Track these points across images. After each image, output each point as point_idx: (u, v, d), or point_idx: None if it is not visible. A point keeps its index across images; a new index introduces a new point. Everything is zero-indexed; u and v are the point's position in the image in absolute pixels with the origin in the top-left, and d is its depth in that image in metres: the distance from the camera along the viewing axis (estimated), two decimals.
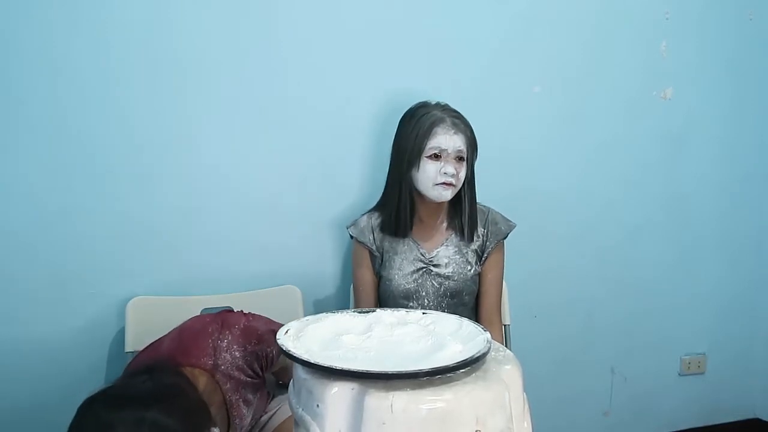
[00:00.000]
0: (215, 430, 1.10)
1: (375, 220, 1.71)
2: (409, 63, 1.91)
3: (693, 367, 2.41)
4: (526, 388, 1.05)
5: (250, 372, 1.34)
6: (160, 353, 1.30)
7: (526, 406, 1.04)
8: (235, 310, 1.44)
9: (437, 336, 1.10)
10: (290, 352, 1.01)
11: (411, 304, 1.67)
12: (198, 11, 1.72)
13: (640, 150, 2.22)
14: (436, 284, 1.68)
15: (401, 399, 0.91)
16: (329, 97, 1.85)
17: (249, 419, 1.37)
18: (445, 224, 1.72)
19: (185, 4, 1.70)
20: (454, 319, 1.17)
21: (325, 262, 1.93)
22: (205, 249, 1.80)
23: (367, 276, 1.72)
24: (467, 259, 1.70)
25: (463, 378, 0.97)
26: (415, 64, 1.92)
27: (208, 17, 1.73)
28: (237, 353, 1.31)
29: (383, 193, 1.72)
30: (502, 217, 1.74)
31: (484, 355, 1.00)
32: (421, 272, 1.68)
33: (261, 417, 1.56)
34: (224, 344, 1.31)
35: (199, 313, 1.60)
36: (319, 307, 1.90)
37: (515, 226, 1.73)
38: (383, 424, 0.90)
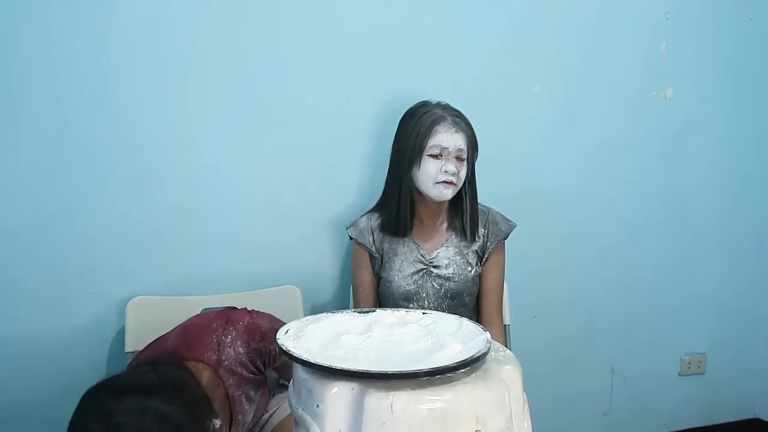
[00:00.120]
0: (217, 421, 1.10)
1: (375, 221, 1.71)
2: (409, 63, 1.91)
3: (693, 367, 2.41)
4: (526, 388, 1.05)
5: (252, 368, 1.34)
6: (165, 348, 1.31)
7: (526, 406, 1.04)
8: (238, 308, 1.44)
9: (437, 336, 1.10)
10: (290, 352, 1.01)
11: (411, 305, 1.66)
12: (198, 11, 1.72)
13: (640, 150, 2.22)
14: (436, 285, 1.68)
15: (401, 399, 0.91)
16: (329, 97, 1.86)
17: (251, 416, 1.38)
18: (445, 225, 1.72)
19: (185, 4, 1.70)
20: (454, 319, 1.17)
21: (325, 262, 1.93)
22: (205, 249, 1.80)
23: (366, 277, 1.72)
24: (468, 260, 1.69)
25: (463, 378, 0.97)
26: (415, 64, 1.92)
27: (208, 17, 1.73)
28: (241, 349, 1.32)
29: (383, 194, 1.72)
30: (503, 217, 1.74)
31: (484, 355, 1.00)
32: (421, 273, 1.68)
33: (262, 416, 1.56)
34: (228, 340, 1.31)
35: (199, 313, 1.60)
36: (319, 307, 1.90)
37: (516, 226, 1.73)
38: (383, 424, 0.91)
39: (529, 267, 2.07)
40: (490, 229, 1.71)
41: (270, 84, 1.80)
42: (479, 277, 1.72)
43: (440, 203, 1.66)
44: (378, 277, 1.73)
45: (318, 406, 0.96)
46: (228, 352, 1.30)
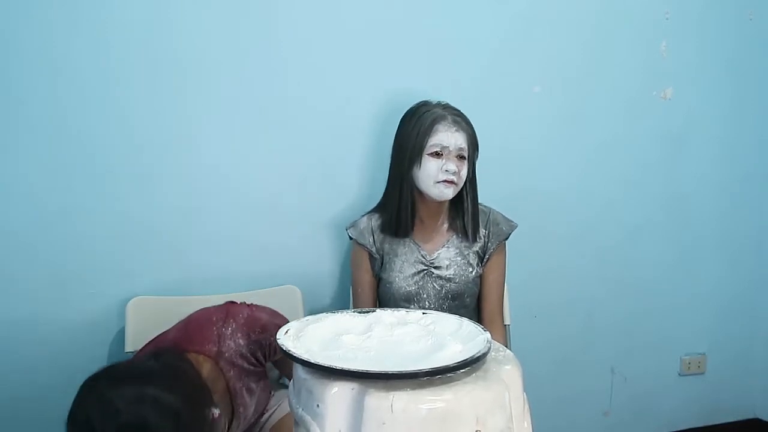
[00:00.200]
0: (216, 410, 1.11)
1: (375, 221, 1.70)
2: (409, 63, 1.91)
3: (693, 367, 2.41)
4: (526, 388, 1.05)
5: (253, 360, 1.35)
6: (166, 341, 1.33)
7: (526, 406, 1.04)
8: (238, 302, 1.45)
9: (437, 336, 1.10)
10: (290, 352, 1.01)
11: (412, 306, 1.66)
12: (198, 11, 1.72)
13: (640, 150, 2.22)
14: (437, 286, 1.67)
15: (401, 399, 0.91)
16: (329, 97, 1.85)
17: (252, 409, 1.38)
18: (446, 225, 1.71)
19: (185, 4, 1.70)
20: (454, 319, 1.17)
21: (325, 262, 1.93)
22: (205, 249, 1.80)
23: (366, 278, 1.72)
24: (468, 261, 1.69)
25: (463, 378, 0.97)
26: (415, 64, 1.92)
27: (208, 17, 1.73)
28: (241, 341, 1.32)
29: (384, 194, 1.72)
30: (503, 217, 1.73)
31: (484, 355, 1.00)
32: (422, 274, 1.68)
33: (262, 415, 1.56)
34: (228, 332, 1.32)
35: None
36: (319, 307, 1.90)
37: (517, 227, 1.73)
38: (383, 424, 0.91)
39: (529, 267, 2.07)
40: (491, 229, 1.71)
41: (270, 84, 1.80)
42: (480, 277, 1.72)
43: (441, 203, 1.66)
44: (378, 278, 1.72)
45: (318, 406, 0.96)
46: (228, 344, 1.31)
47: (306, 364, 0.99)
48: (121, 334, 1.70)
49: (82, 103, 1.65)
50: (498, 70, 2.01)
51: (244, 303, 1.43)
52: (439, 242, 1.70)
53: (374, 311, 1.21)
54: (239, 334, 1.32)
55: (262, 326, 1.36)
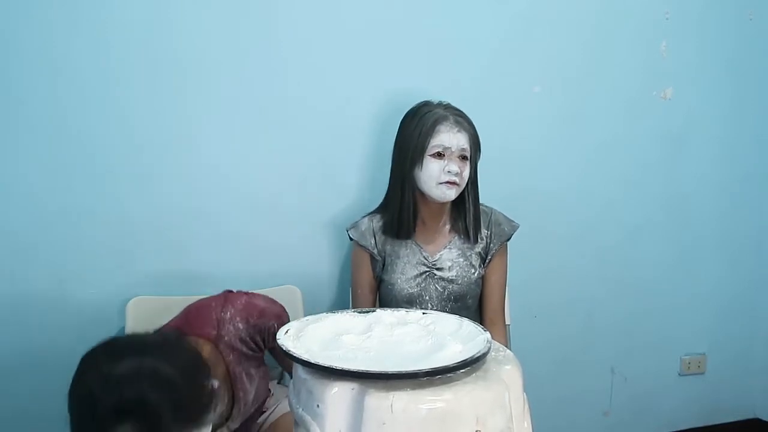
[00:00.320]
0: (215, 382, 1.12)
1: (376, 222, 1.69)
2: (409, 63, 1.91)
3: (693, 367, 2.40)
4: (526, 388, 1.06)
5: (252, 345, 1.37)
6: (166, 329, 1.35)
7: (526, 406, 1.04)
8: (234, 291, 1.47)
9: (437, 336, 1.10)
10: (290, 352, 1.01)
11: (414, 308, 1.65)
12: (198, 11, 1.72)
13: (640, 150, 2.22)
14: (439, 288, 1.67)
15: (401, 399, 0.91)
16: (329, 97, 1.85)
17: (251, 396, 1.39)
18: (448, 226, 1.70)
19: (185, 4, 1.70)
20: (454, 319, 1.17)
21: (325, 262, 1.93)
22: (205, 249, 1.80)
23: (366, 279, 1.71)
24: (471, 262, 1.68)
25: (463, 378, 0.97)
26: (415, 64, 1.92)
27: (208, 17, 1.73)
28: (240, 325, 1.34)
29: (385, 195, 1.71)
30: (505, 217, 1.73)
31: (484, 355, 1.00)
32: (424, 276, 1.67)
33: (262, 413, 1.56)
34: (227, 316, 1.34)
35: None
36: (318, 307, 1.90)
37: (518, 227, 1.73)
38: (383, 424, 0.91)
39: (529, 267, 2.07)
40: (493, 230, 1.70)
41: (270, 84, 1.80)
42: (482, 278, 1.71)
43: (443, 204, 1.65)
44: (379, 280, 1.72)
45: (318, 406, 0.96)
46: (228, 327, 1.33)
47: (306, 364, 0.99)
48: (121, 334, 1.70)
49: (82, 103, 1.65)
50: (498, 70, 2.01)
51: (241, 291, 1.45)
52: (441, 243, 1.69)
53: (374, 311, 1.22)
54: (238, 318, 1.34)
55: (260, 311, 1.39)
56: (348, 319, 1.18)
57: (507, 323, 1.85)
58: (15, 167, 1.62)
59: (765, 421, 2.50)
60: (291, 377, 1.65)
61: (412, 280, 1.66)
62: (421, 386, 0.93)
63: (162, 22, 1.69)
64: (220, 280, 1.80)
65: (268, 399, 1.60)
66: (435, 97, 1.66)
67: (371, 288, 1.72)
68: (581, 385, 2.27)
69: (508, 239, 1.72)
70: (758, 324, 2.47)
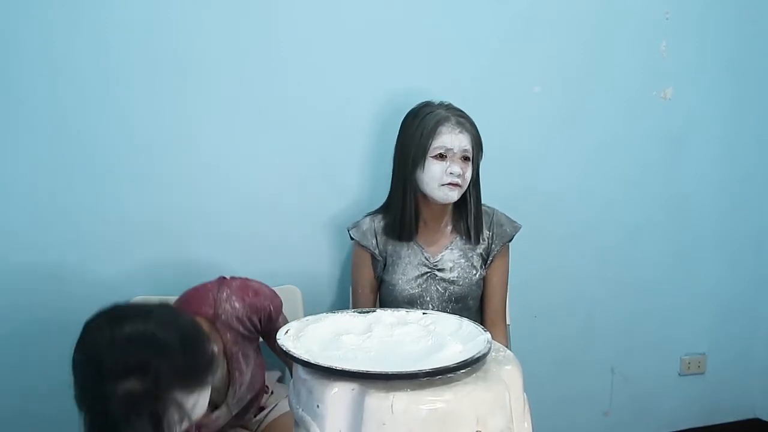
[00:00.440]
0: (214, 346, 1.14)
1: (378, 222, 1.69)
2: (409, 63, 1.91)
3: (693, 367, 2.40)
4: (526, 388, 1.05)
5: (248, 324, 1.39)
6: None
7: (527, 407, 1.04)
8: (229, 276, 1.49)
9: (437, 336, 1.10)
10: (290, 352, 1.01)
11: (415, 309, 1.65)
12: (198, 11, 1.71)
13: (640, 150, 2.21)
14: (440, 289, 1.66)
15: (401, 399, 0.91)
16: (329, 97, 1.85)
17: (247, 377, 1.40)
18: (449, 227, 1.70)
19: (185, 4, 1.70)
20: (454, 319, 1.17)
21: (325, 262, 1.93)
22: (205, 249, 1.80)
23: (367, 280, 1.71)
24: (472, 263, 1.68)
25: (463, 378, 0.97)
26: (415, 64, 1.92)
27: (208, 17, 1.73)
28: (237, 304, 1.38)
29: (388, 196, 1.71)
30: (507, 218, 1.72)
31: (485, 355, 1.00)
32: (425, 277, 1.66)
33: (261, 408, 1.56)
34: (224, 296, 1.37)
35: None
36: (318, 307, 1.90)
37: (521, 228, 1.72)
38: (383, 424, 0.91)
39: (529, 267, 2.06)
40: (495, 231, 1.69)
41: (270, 84, 1.80)
42: (483, 279, 1.70)
43: (445, 205, 1.64)
44: (380, 280, 1.71)
45: (318, 406, 0.96)
46: (224, 306, 1.36)
47: (306, 364, 0.99)
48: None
49: (82, 103, 1.65)
50: (498, 70, 2.01)
51: (235, 276, 1.48)
52: (442, 244, 1.69)
53: (374, 311, 1.22)
54: (234, 298, 1.38)
55: (254, 291, 1.43)
56: (348, 319, 1.18)
57: (507, 323, 1.85)
58: (15, 167, 1.62)
59: (765, 421, 2.50)
60: (288, 369, 1.67)
61: (413, 281, 1.66)
62: (422, 386, 0.93)
63: (162, 22, 1.69)
64: None
65: (267, 397, 1.61)
66: (435, 97, 1.66)
67: (372, 288, 1.72)
68: (581, 385, 2.27)
69: (510, 240, 1.71)
70: (758, 324, 2.47)
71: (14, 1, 1.57)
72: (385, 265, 1.69)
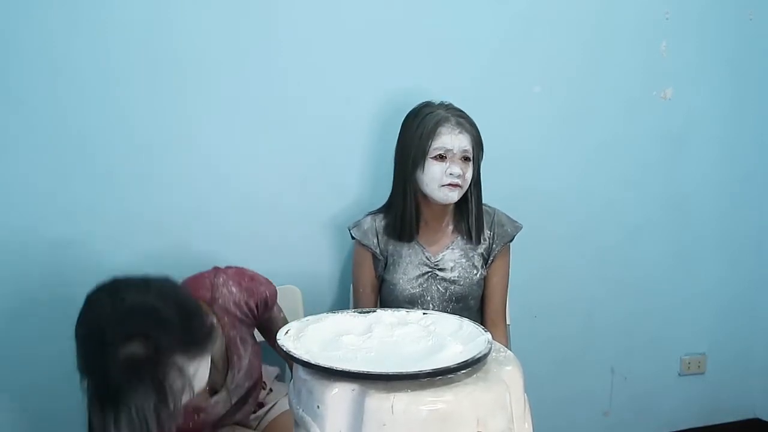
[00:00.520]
0: (213, 317, 1.18)
1: (379, 222, 1.69)
2: (409, 63, 1.91)
3: (693, 367, 2.41)
4: (526, 388, 1.05)
5: (245, 309, 1.41)
6: None
7: (527, 407, 1.04)
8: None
9: (438, 336, 1.10)
10: (291, 353, 1.01)
11: (415, 308, 1.65)
12: (198, 11, 1.71)
13: (640, 150, 2.21)
14: (441, 289, 1.66)
15: (402, 400, 0.91)
16: (329, 97, 1.85)
17: (245, 362, 1.41)
18: (450, 227, 1.70)
19: (185, 4, 1.70)
20: (454, 319, 1.17)
21: (325, 262, 1.93)
22: (206, 249, 1.80)
23: (368, 279, 1.71)
24: (473, 263, 1.68)
25: (463, 379, 0.97)
26: (415, 64, 1.91)
27: (208, 17, 1.72)
28: (233, 288, 1.40)
29: (389, 196, 1.70)
30: (508, 218, 1.72)
31: (485, 356, 1.00)
32: (426, 276, 1.66)
33: (261, 404, 1.56)
34: (220, 281, 1.40)
35: None
36: (319, 307, 1.90)
37: (522, 228, 1.72)
38: (384, 425, 0.91)
39: (529, 267, 2.06)
40: (496, 231, 1.69)
41: (270, 84, 1.80)
42: (484, 279, 1.70)
43: (445, 206, 1.64)
44: (381, 280, 1.71)
45: (318, 407, 0.96)
46: (221, 291, 1.38)
47: (306, 365, 0.99)
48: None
49: (82, 103, 1.65)
50: (498, 70, 2.01)
51: (230, 265, 1.50)
52: (443, 244, 1.69)
53: (374, 311, 1.22)
54: (231, 282, 1.40)
55: (250, 276, 1.45)
56: (348, 319, 1.18)
57: (507, 323, 1.84)
58: (15, 167, 1.62)
59: (765, 421, 2.50)
60: (288, 368, 1.67)
61: (414, 281, 1.66)
62: (422, 387, 0.93)
63: (162, 22, 1.69)
64: None
65: (266, 394, 1.61)
66: (435, 97, 1.66)
67: (373, 287, 1.72)
68: (581, 385, 2.27)
69: (511, 240, 1.71)
70: (758, 324, 2.47)
71: (14, 1, 1.57)
72: (386, 264, 1.69)
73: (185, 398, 1.06)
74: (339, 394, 0.95)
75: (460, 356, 0.99)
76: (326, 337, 1.10)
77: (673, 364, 2.40)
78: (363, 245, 1.68)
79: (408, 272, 1.66)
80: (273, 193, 1.84)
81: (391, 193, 1.69)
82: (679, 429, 2.43)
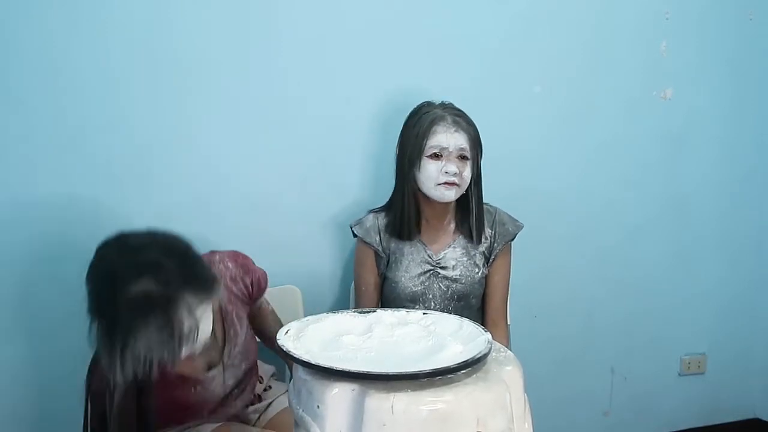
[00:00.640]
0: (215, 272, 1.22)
1: (381, 219, 1.69)
2: (409, 63, 1.91)
3: (693, 367, 2.41)
4: (526, 388, 1.05)
5: (241, 285, 1.43)
6: None
7: (527, 408, 1.04)
8: None
9: (438, 336, 1.10)
10: (290, 353, 1.01)
11: (417, 306, 1.64)
12: (198, 11, 1.71)
13: (640, 150, 2.22)
14: (443, 287, 1.66)
15: (402, 400, 0.91)
16: (329, 96, 1.85)
17: (242, 339, 1.42)
18: (452, 225, 1.70)
19: (185, 4, 1.70)
20: (454, 319, 1.17)
21: (325, 261, 1.93)
22: (206, 249, 1.79)
23: (370, 277, 1.70)
24: (475, 262, 1.68)
25: (463, 379, 0.97)
26: (415, 64, 1.92)
27: (208, 17, 1.72)
28: (230, 264, 1.43)
29: (391, 194, 1.71)
30: (509, 217, 1.72)
31: (485, 356, 1.00)
32: (428, 274, 1.66)
33: (259, 397, 1.56)
34: (216, 258, 1.43)
35: None
36: (319, 307, 1.90)
37: (523, 227, 1.72)
38: (384, 425, 0.91)
39: (529, 267, 2.07)
40: (497, 230, 1.69)
41: (270, 84, 1.80)
42: (485, 278, 1.71)
43: (446, 204, 1.64)
44: (383, 278, 1.71)
45: (318, 407, 0.96)
46: (218, 267, 1.41)
47: (306, 365, 0.99)
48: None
49: (83, 103, 1.65)
50: (498, 70, 2.01)
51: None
52: (445, 242, 1.69)
53: (374, 311, 1.22)
54: (227, 259, 1.44)
55: (244, 256, 1.49)
56: (348, 319, 1.18)
57: (507, 323, 1.85)
58: (15, 167, 1.62)
59: (765, 421, 2.51)
60: (288, 368, 1.66)
61: (416, 279, 1.66)
62: (422, 387, 0.93)
63: (162, 22, 1.69)
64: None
65: (264, 391, 1.60)
66: (435, 97, 1.66)
67: (375, 285, 1.71)
68: (581, 385, 2.27)
69: (512, 239, 1.71)
70: (758, 324, 2.47)
71: (14, 1, 1.57)
72: (388, 262, 1.69)
73: (190, 345, 1.09)
74: (339, 394, 0.95)
75: (460, 356, 0.99)
76: (326, 337, 1.10)
77: (673, 364, 2.40)
78: (365, 243, 1.68)
79: (410, 270, 1.66)
80: (273, 192, 1.84)
81: (393, 192, 1.69)
82: (679, 429, 2.43)
